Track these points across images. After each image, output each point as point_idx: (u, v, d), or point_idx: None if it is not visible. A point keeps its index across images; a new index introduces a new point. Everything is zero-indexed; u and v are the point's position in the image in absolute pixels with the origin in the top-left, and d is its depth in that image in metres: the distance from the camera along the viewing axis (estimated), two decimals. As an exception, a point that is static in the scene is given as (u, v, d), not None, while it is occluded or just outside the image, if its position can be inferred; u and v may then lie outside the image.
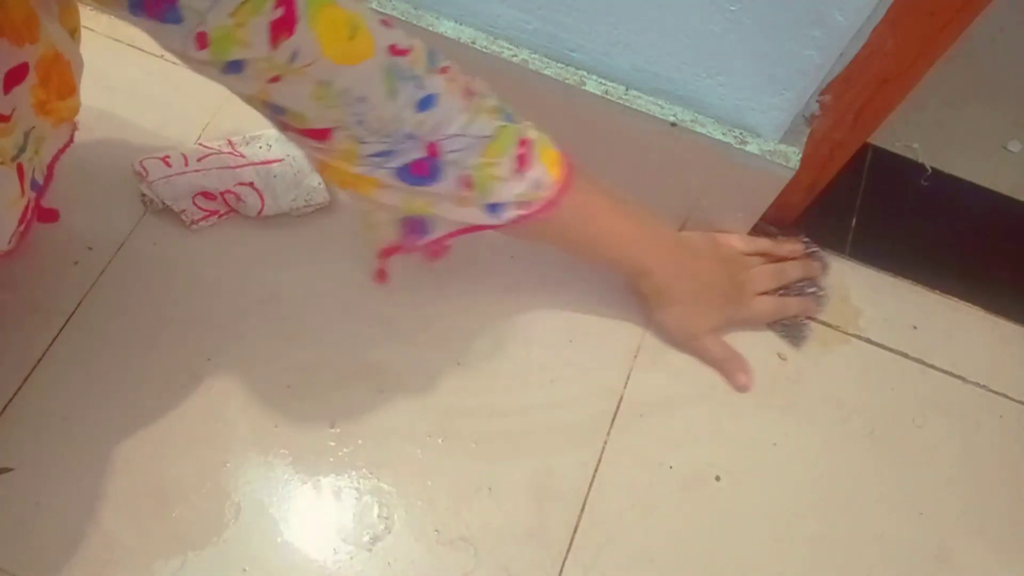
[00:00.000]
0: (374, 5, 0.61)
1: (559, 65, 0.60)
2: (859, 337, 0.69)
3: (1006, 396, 0.67)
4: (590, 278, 0.69)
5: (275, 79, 0.41)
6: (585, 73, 0.60)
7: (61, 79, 0.46)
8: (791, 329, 0.68)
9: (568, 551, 0.59)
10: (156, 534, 0.57)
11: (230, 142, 0.68)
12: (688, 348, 0.66)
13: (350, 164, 0.47)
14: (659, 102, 0.59)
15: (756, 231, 0.70)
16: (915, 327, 0.69)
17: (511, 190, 0.50)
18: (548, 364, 0.65)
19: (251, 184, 0.66)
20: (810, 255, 0.70)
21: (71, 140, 0.55)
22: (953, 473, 0.64)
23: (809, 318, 0.68)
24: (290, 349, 0.64)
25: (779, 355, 0.67)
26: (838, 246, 0.73)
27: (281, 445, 0.60)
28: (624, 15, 0.54)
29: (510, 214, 0.51)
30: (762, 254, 0.68)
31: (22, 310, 0.64)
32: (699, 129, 0.58)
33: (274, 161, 0.67)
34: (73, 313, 0.64)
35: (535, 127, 0.52)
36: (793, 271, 0.67)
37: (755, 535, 0.60)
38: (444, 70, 0.47)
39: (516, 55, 0.60)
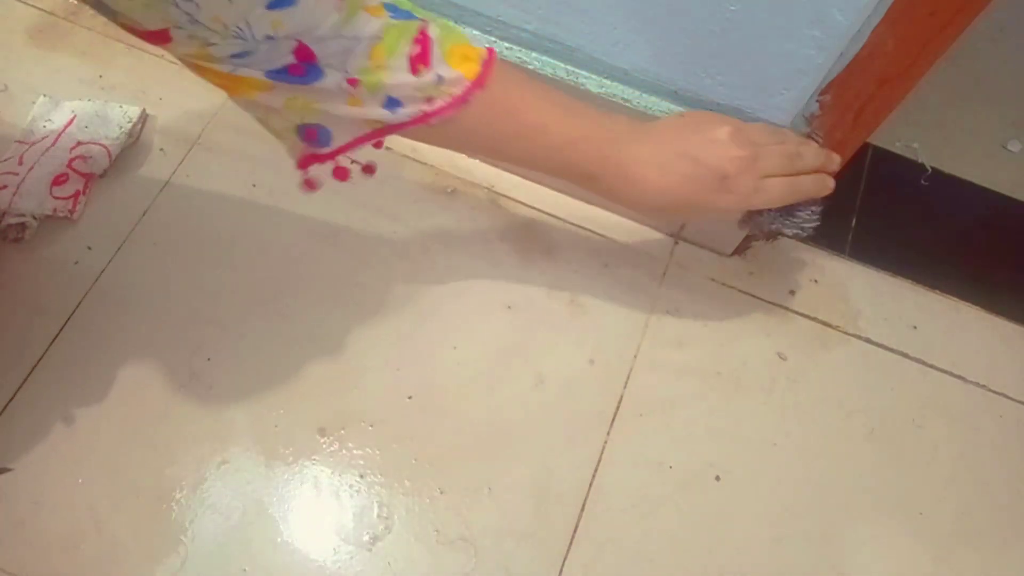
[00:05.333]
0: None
1: (559, 65, 0.60)
2: (859, 337, 0.69)
3: (1006, 396, 0.67)
4: (590, 277, 0.69)
5: None
6: (585, 73, 0.60)
7: None
8: (800, 220, 0.58)
9: (568, 551, 0.59)
10: (156, 534, 0.57)
11: (20, 141, 0.69)
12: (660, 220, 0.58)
13: (215, 64, 0.43)
14: (659, 101, 0.59)
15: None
16: (915, 327, 0.69)
17: (407, 88, 0.46)
18: (548, 363, 0.65)
19: (79, 144, 0.68)
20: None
21: None
22: (953, 473, 0.64)
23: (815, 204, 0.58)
24: (290, 349, 0.64)
25: (779, 355, 0.67)
26: (838, 246, 0.73)
27: (281, 445, 0.61)
28: (624, 15, 0.54)
29: (411, 110, 0.47)
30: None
31: (22, 310, 0.64)
32: (699, 129, 0.58)
33: (70, 122, 0.69)
34: (73, 313, 0.64)
35: (442, 21, 0.48)
36: (809, 157, 0.56)
37: (755, 535, 0.60)
38: None
39: (516, 55, 0.60)
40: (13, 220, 0.65)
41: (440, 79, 0.46)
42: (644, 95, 0.59)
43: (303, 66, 0.43)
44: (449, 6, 0.60)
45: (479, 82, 0.47)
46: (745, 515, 0.61)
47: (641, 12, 0.53)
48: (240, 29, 0.41)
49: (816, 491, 0.62)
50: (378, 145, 0.50)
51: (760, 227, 0.59)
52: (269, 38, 0.41)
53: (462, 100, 0.47)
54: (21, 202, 0.65)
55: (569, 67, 0.60)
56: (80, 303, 0.64)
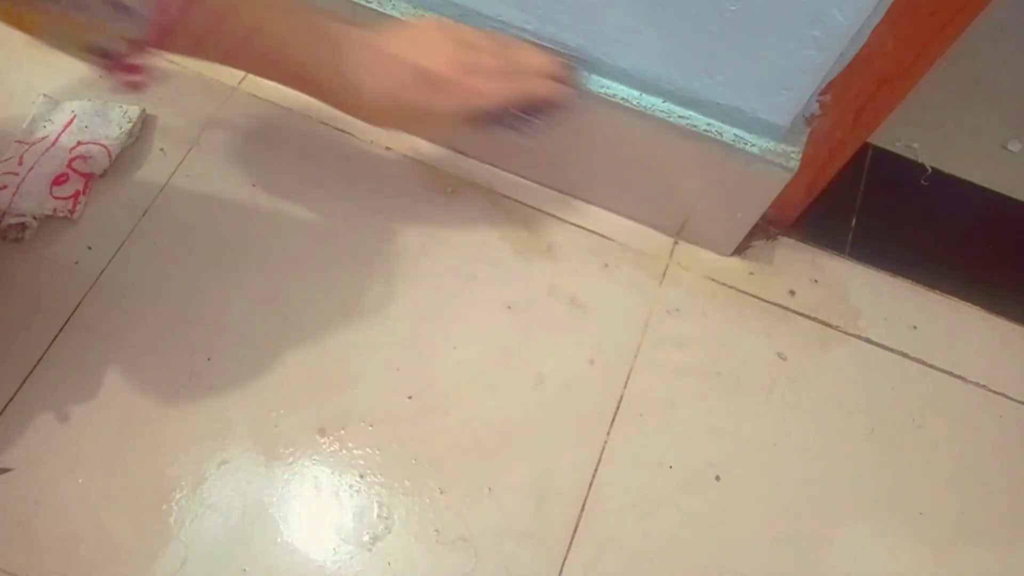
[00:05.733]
0: (373, 5, 0.61)
1: (559, 65, 0.60)
2: (859, 337, 0.69)
3: (1006, 396, 0.67)
4: (590, 277, 0.69)
5: None
6: (585, 73, 0.60)
7: None
8: (535, 124, 0.58)
9: (568, 551, 0.59)
10: (156, 534, 0.57)
11: (20, 141, 0.69)
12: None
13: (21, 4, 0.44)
14: (659, 101, 0.59)
15: (756, 231, 0.70)
16: (915, 327, 0.69)
17: None
18: (548, 363, 0.65)
19: (79, 144, 0.68)
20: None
21: None
22: (953, 473, 0.64)
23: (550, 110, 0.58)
24: (290, 349, 0.64)
25: (779, 355, 0.67)
26: (838, 246, 0.73)
27: (281, 445, 0.60)
28: (624, 15, 0.54)
29: (147, 16, 0.46)
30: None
31: (22, 310, 0.64)
32: (699, 129, 0.58)
33: (70, 122, 0.69)
34: (73, 313, 0.64)
35: None
36: (532, 61, 0.57)
37: (755, 535, 0.60)
38: None
39: (516, 55, 0.60)
40: (13, 220, 0.65)
41: None
42: (644, 95, 0.59)
43: None
44: (449, 6, 0.60)
45: None
46: (745, 515, 0.61)
47: (641, 12, 0.53)
48: None
49: (816, 491, 0.62)
50: (135, 68, 0.49)
51: (490, 127, 0.59)
52: None
53: (186, 4, 0.47)
54: (21, 202, 0.65)
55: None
56: (80, 303, 0.64)
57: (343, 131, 0.73)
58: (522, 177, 0.73)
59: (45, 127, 0.69)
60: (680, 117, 0.59)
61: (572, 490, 0.61)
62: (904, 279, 0.72)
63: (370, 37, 0.55)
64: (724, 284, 0.70)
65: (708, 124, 0.59)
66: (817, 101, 0.56)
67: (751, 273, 0.71)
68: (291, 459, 0.60)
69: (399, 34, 0.56)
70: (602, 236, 0.71)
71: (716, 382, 0.66)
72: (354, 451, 0.61)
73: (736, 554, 0.60)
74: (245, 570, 0.56)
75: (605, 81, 0.60)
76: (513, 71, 0.57)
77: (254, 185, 0.70)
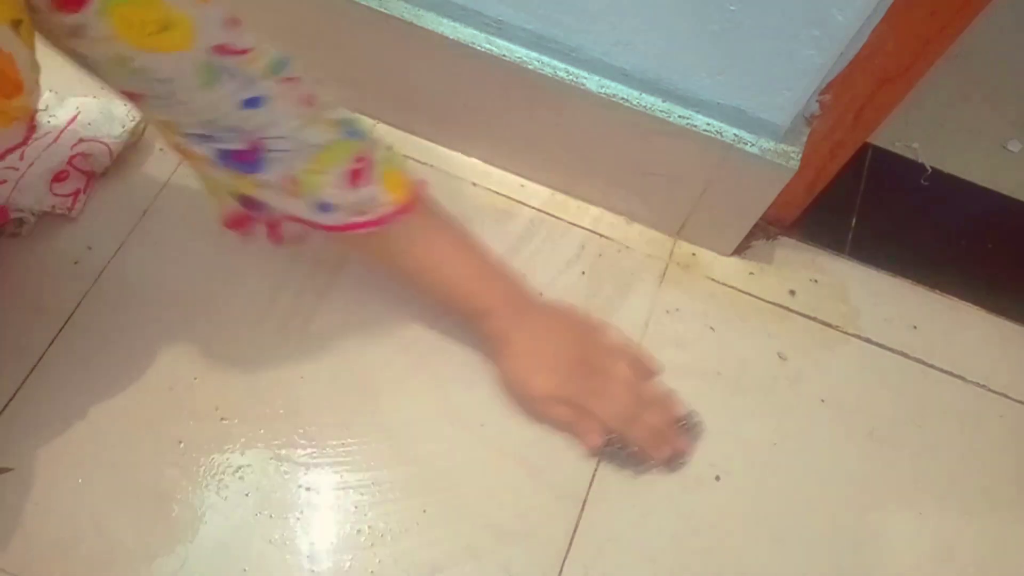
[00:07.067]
0: (373, 4, 0.61)
1: (559, 65, 0.60)
2: (859, 337, 0.69)
3: (1006, 396, 0.67)
4: (591, 277, 0.69)
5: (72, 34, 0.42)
6: (585, 73, 0.60)
7: (4, 77, 0.44)
8: (628, 456, 0.60)
9: (568, 551, 0.59)
10: (156, 534, 0.57)
11: None
12: (529, 410, 0.62)
13: (175, 135, 0.48)
14: (659, 101, 0.59)
15: (756, 231, 0.70)
16: (915, 327, 0.69)
17: (340, 198, 0.51)
18: (548, 364, 0.65)
19: (81, 141, 0.68)
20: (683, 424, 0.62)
21: (25, 140, 0.50)
22: (953, 473, 0.64)
23: (651, 457, 0.60)
24: (291, 350, 0.64)
25: (779, 355, 0.67)
26: (838, 246, 0.73)
27: (282, 445, 0.60)
28: (624, 15, 0.54)
29: (339, 218, 0.52)
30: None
31: (22, 310, 0.64)
32: (699, 129, 0.58)
33: (73, 118, 0.69)
34: (73, 313, 0.64)
35: (390, 151, 0.54)
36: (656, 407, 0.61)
37: (755, 535, 0.60)
38: (289, 79, 0.48)
39: (516, 55, 0.60)
40: (11, 215, 0.65)
41: (373, 198, 0.52)
42: (644, 95, 0.59)
43: (251, 154, 0.48)
44: (449, 6, 0.60)
45: (406, 208, 0.53)
46: (745, 515, 0.61)
47: (641, 12, 0.53)
48: (211, 121, 0.46)
49: (816, 491, 0.62)
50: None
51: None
52: (232, 129, 0.47)
53: (388, 219, 0.53)
54: (19, 197, 0.65)
55: (569, 67, 0.60)
56: (80, 303, 0.64)
57: (343, 131, 0.73)
58: (522, 177, 0.73)
59: (49, 122, 0.69)
60: (680, 117, 0.59)
61: (572, 490, 0.61)
62: (904, 279, 0.72)
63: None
64: (724, 284, 0.70)
65: (708, 124, 0.59)
66: (817, 101, 0.56)
67: (751, 273, 0.71)
68: (291, 460, 0.60)
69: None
70: (602, 236, 0.71)
71: (716, 382, 0.66)
72: (354, 452, 0.61)
73: (736, 554, 0.60)
74: (245, 570, 0.56)
75: (605, 81, 0.60)
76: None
77: (254, 185, 0.70)
